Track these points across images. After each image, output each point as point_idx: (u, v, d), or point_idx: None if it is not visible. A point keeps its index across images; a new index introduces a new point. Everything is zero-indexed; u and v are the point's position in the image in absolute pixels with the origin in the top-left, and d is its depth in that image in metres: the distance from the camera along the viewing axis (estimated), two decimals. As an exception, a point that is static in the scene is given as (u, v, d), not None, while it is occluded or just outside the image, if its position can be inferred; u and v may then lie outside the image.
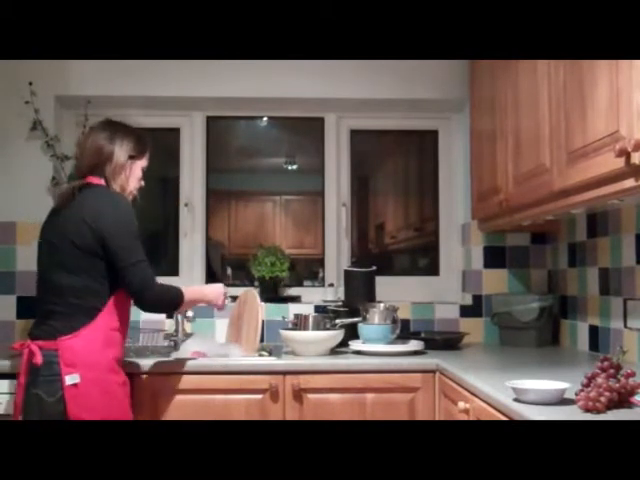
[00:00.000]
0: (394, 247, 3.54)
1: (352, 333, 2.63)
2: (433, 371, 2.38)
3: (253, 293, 2.64)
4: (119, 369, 2.07)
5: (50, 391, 1.93)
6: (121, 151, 2.15)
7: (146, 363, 2.32)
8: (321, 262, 3.31)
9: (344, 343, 2.57)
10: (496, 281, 3.08)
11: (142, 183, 2.26)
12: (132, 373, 2.25)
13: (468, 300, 3.11)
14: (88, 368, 1.95)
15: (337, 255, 3.27)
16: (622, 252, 2.35)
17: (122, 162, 2.15)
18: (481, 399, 1.82)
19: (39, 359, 1.94)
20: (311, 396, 2.36)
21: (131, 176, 2.19)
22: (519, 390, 1.57)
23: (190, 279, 3.17)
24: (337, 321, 2.56)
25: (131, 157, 2.18)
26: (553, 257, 3.03)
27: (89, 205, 2.05)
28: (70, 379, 1.92)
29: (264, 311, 2.79)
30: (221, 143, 3.38)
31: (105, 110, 3.12)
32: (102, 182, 2.13)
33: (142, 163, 2.24)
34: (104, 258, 2.02)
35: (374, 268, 2.89)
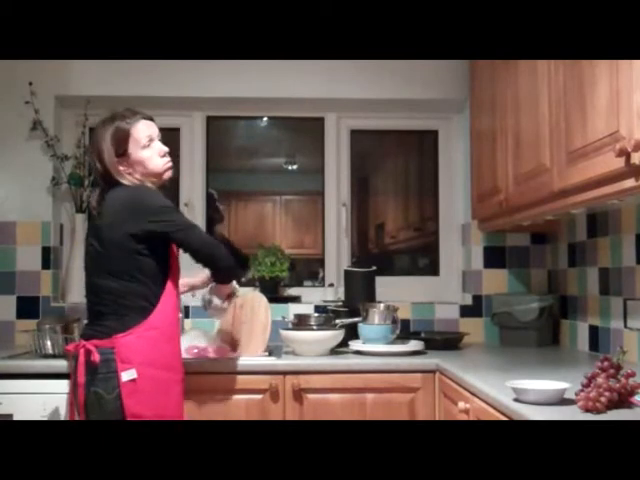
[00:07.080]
0: (394, 247, 3.54)
1: (352, 333, 2.63)
2: (433, 371, 2.38)
3: (259, 296, 2.62)
4: (176, 366, 2.04)
5: (108, 388, 1.92)
6: (108, 148, 2.01)
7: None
8: (321, 262, 3.31)
9: (344, 343, 2.57)
10: (496, 281, 3.08)
11: (164, 161, 2.07)
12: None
13: (468, 300, 3.11)
14: (144, 365, 1.94)
15: (337, 255, 3.27)
16: (622, 252, 2.35)
17: (114, 159, 2.02)
18: (481, 399, 1.82)
19: (97, 357, 1.92)
20: (311, 396, 2.36)
21: (138, 163, 2.03)
22: (519, 390, 1.57)
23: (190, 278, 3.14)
24: (337, 321, 2.57)
25: (119, 149, 2.02)
26: (553, 257, 3.03)
27: (114, 207, 1.98)
28: (126, 375, 1.91)
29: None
30: (221, 143, 3.38)
31: (105, 110, 3.12)
32: (121, 181, 2.03)
33: (141, 143, 2.03)
34: (146, 253, 1.97)
35: (374, 268, 2.89)
